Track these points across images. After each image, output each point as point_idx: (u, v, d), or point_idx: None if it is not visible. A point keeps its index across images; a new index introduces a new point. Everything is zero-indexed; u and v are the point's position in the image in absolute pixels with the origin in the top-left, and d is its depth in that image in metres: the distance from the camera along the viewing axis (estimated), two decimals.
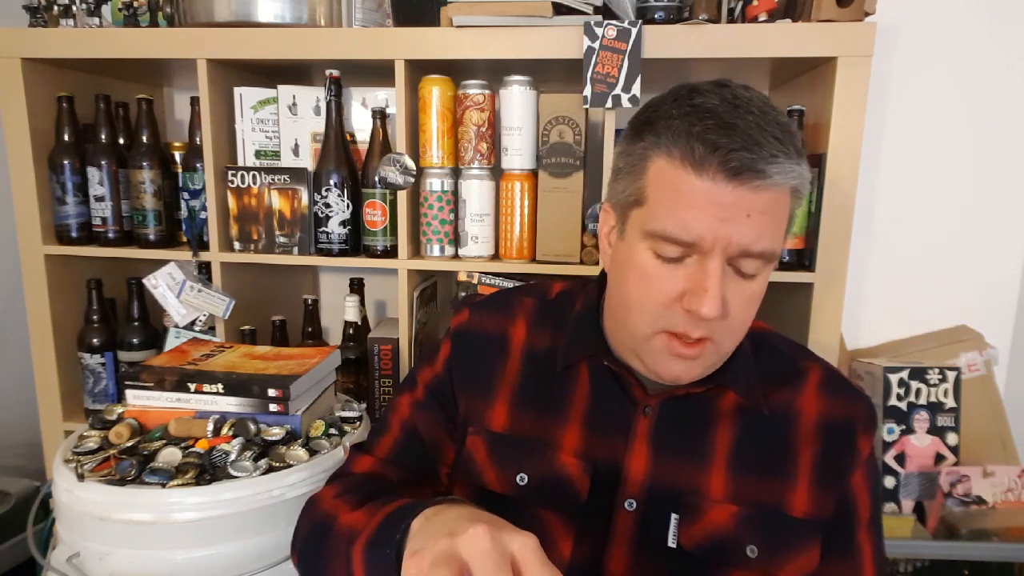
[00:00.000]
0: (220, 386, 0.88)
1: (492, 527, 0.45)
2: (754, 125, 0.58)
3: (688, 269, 0.61)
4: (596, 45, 1.08)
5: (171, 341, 1.33)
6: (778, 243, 0.61)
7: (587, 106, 1.11)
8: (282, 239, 1.26)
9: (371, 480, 0.74)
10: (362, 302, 1.38)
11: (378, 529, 0.58)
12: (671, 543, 0.68)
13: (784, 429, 0.71)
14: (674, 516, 0.68)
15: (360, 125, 1.31)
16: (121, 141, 1.34)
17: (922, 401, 1.25)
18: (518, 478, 0.72)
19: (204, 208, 1.26)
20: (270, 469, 0.82)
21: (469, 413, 0.76)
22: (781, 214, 0.61)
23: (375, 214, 1.23)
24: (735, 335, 0.65)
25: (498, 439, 0.74)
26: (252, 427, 0.86)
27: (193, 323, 1.29)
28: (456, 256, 1.26)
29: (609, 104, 1.10)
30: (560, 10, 1.09)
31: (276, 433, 0.86)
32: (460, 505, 0.55)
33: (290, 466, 0.82)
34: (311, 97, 1.26)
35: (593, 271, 1.18)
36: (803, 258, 1.15)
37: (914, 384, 1.25)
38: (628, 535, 0.69)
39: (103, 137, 1.28)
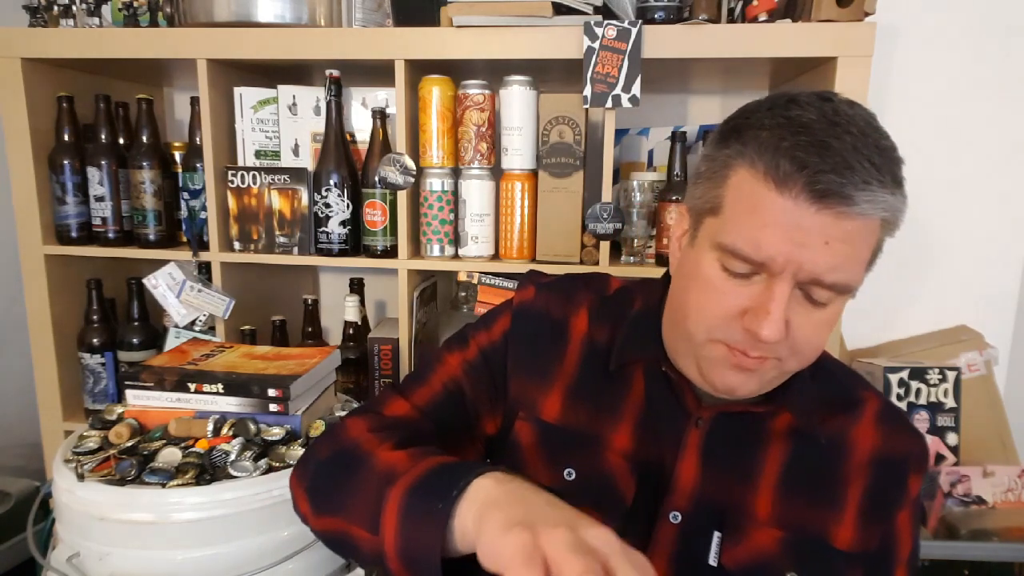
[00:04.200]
0: (220, 386, 0.88)
1: (613, 532, 0.46)
2: (850, 147, 0.53)
3: (754, 287, 0.58)
4: (596, 45, 1.08)
5: (171, 341, 1.33)
6: (856, 276, 0.57)
7: (587, 106, 1.11)
8: (282, 239, 1.26)
9: (406, 426, 0.70)
10: (362, 302, 1.38)
11: (426, 477, 0.55)
12: (712, 561, 0.66)
13: (836, 458, 0.69)
14: (717, 534, 0.66)
15: (360, 125, 1.31)
16: (121, 141, 1.34)
17: (922, 401, 1.25)
18: (566, 473, 0.70)
19: (204, 208, 1.26)
20: (270, 469, 0.82)
21: (520, 396, 0.74)
22: (864, 246, 0.57)
23: (375, 214, 1.23)
24: (802, 358, 0.62)
25: (549, 429, 0.72)
26: (252, 427, 0.86)
27: (193, 323, 1.29)
28: (456, 256, 1.26)
29: (609, 104, 1.10)
30: (560, 10, 1.09)
31: (276, 433, 0.86)
32: (531, 482, 0.53)
33: (290, 466, 0.82)
34: (311, 97, 1.26)
35: (593, 271, 1.18)
36: None
37: (914, 384, 1.25)
38: (669, 548, 0.67)
39: (103, 137, 1.28)
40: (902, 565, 0.70)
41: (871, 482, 0.68)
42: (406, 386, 0.76)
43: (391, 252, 1.24)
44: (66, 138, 1.28)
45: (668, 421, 0.70)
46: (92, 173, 1.28)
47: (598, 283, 0.80)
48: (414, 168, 1.20)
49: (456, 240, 1.25)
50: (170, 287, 1.25)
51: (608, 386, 0.72)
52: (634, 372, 0.72)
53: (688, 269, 0.64)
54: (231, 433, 0.86)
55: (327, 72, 1.22)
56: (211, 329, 1.31)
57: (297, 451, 0.85)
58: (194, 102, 1.26)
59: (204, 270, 1.30)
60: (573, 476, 0.70)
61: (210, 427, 0.86)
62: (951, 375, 1.26)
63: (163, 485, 0.77)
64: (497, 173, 1.23)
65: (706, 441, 0.68)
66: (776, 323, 0.56)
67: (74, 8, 1.23)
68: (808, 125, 0.55)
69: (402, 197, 1.21)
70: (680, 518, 0.67)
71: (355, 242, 1.26)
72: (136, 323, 1.34)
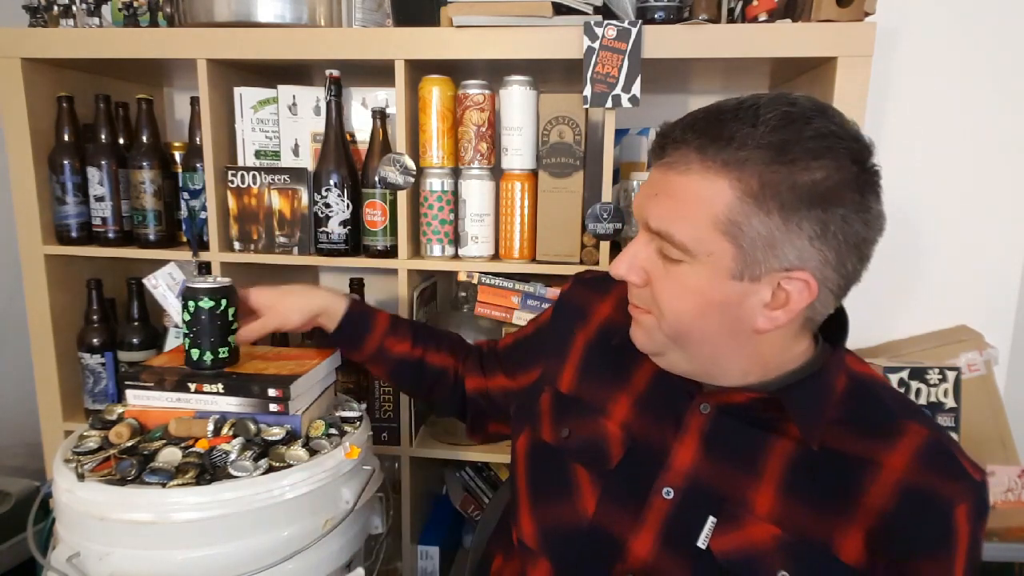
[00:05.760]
0: (220, 386, 0.88)
1: None
2: (695, 116, 0.61)
3: None
4: (596, 45, 1.08)
5: (171, 341, 1.33)
6: (685, 232, 0.61)
7: (587, 106, 1.11)
8: (282, 239, 1.26)
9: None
10: None
11: None
12: (701, 544, 0.67)
13: (859, 472, 0.65)
14: (712, 519, 0.67)
15: (360, 125, 1.31)
16: (121, 141, 1.34)
17: (922, 401, 1.25)
18: (563, 432, 0.78)
19: (204, 208, 1.26)
20: (270, 469, 0.82)
21: (548, 372, 0.85)
22: (694, 202, 0.60)
23: (375, 214, 1.23)
24: (666, 318, 0.66)
25: (561, 398, 0.82)
26: (252, 427, 0.86)
27: None
28: (456, 256, 1.26)
29: (609, 104, 1.10)
30: (560, 10, 1.09)
31: (276, 433, 0.86)
32: None
33: (290, 466, 0.82)
34: (311, 97, 1.26)
35: (593, 271, 1.18)
36: None
37: (914, 384, 1.25)
38: (659, 522, 0.69)
39: (103, 137, 1.28)
40: None
41: (894, 511, 0.63)
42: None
43: (391, 252, 1.24)
44: (66, 138, 1.28)
45: (672, 401, 0.73)
46: (92, 173, 1.28)
47: None
48: (414, 168, 1.20)
49: (456, 240, 1.25)
50: (170, 287, 1.25)
51: (619, 363, 0.79)
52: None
53: None
54: (231, 433, 0.86)
55: (327, 72, 1.22)
56: None
57: (297, 451, 0.85)
58: (194, 102, 1.26)
59: (204, 270, 1.30)
60: (567, 434, 0.78)
61: (210, 427, 0.86)
62: (951, 375, 1.26)
63: (163, 485, 0.77)
64: (497, 173, 1.23)
65: (711, 427, 0.70)
66: (621, 259, 0.67)
67: (74, 8, 1.23)
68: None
69: (402, 197, 1.21)
70: (672, 494, 0.69)
71: (355, 242, 1.26)
72: (136, 323, 1.34)
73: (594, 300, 0.86)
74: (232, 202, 1.25)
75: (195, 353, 0.90)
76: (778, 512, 0.66)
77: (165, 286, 1.24)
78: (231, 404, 0.89)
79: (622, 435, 0.74)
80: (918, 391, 1.26)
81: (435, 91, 1.19)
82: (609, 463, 0.74)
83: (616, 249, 1.25)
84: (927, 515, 0.63)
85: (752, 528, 0.66)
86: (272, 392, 0.88)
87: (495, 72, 1.21)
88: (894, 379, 1.25)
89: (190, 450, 0.83)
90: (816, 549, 0.65)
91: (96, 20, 1.24)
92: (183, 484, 0.77)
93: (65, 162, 1.27)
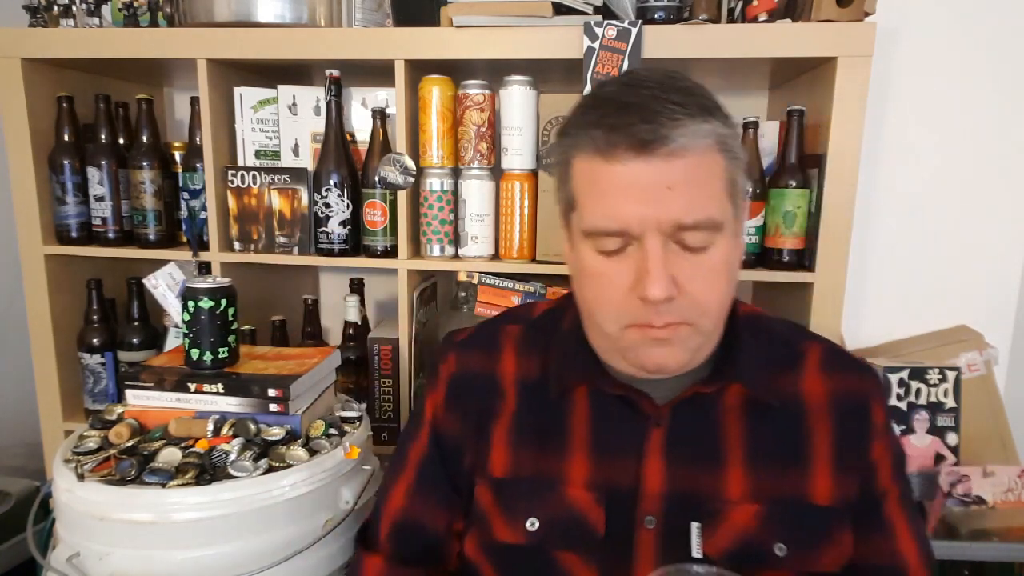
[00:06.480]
0: (220, 386, 0.88)
1: None
2: (650, 97, 0.58)
3: (632, 258, 0.60)
4: (596, 45, 1.08)
5: (171, 341, 1.33)
6: (716, 209, 0.59)
7: None
8: (282, 239, 1.26)
9: None
10: (362, 302, 1.38)
11: None
12: (696, 554, 0.66)
13: (793, 416, 0.69)
14: (695, 525, 0.66)
15: (360, 125, 1.31)
16: (121, 141, 1.34)
17: (922, 401, 1.25)
18: (528, 524, 0.69)
19: (204, 208, 1.26)
20: (270, 469, 0.82)
21: (475, 462, 0.73)
22: (709, 177, 0.59)
23: (375, 214, 1.23)
24: (710, 314, 0.62)
25: (502, 485, 0.71)
26: (252, 427, 0.86)
27: None
28: (456, 256, 1.26)
29: None
30: (560, 10, 1.09)
31: (276, 433, 0.86)
32: None
33: (290, 466, 0.82)
34: (311, 97, 1.26)
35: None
36: (803, 258, 1.15)
37: (914, 384, 1.25)
38: (652, 553, 0.67)
39: (103, 137, 1.28)
40: (892, 501, 0.70)
41: (834, 428, 0.69)
42: (371, 532, 0.77)
43: (391, 252, 1.24)
44: (66, 138, 1.28)
45: (625, 433, 0.69)
46: (92, 173, 1.28)
47: (522, 311, 0.81)
48: (414, 168, 1.20)
49: (456, 240, 1.25)
50: (170, 287, 1.25)
51: (550, 419, 0.71)
52: (577, 396, 0.72)
53: (576, 269, 0.66)
54: (231, 433, 0.86)
55: (327, 72, 1.22)
56: None
57: (297, 451, 0.85)
58: (194, 102, 1.26)
59: (204, 270, 1.30)
60: (537, 526, 0.68)
61: (210, 427, 0.86)
62: (951, 375, 1.25)
63: (163, 485, 0.77)
64: (497, 173, 1.23)
65: (668, 437, 0.68)
66: (658, 279, 0.57)
67: (74, 8, 1.23)
68: (609, 96, 0.61)
69: (402, 197, 1.21)
70: (655, 522, 0.67)
71: (355, 242, 1.26)
72: (136, 323, 1.34)
73: (491, 361, 0.75)
74: (232, 202, 1.25)
75: (195, 353, 0.90)
76: (751, 488, 0.67)
77: (165, 286, 1.24)
78: (231, 404, 0.89)
79: (593, 497, 0.68)
80: (918, 391, 1.25)
81: (435, 91, 1.19)
82: (598, 534, 0.67)
83: None
84: (856, 413, 0.69)
85: (734, 515, 0.66)
86: (272, 392, 0.88)
87: (495, 72, 1.21)
88: (894, 379, 1.25)
89: (190, 450, 0.83)
90: (795, 507, 0.67)
91: (96, 20, 1.24)
92: (183, 484, 0.77)
93: (65, 162, 1.27)
